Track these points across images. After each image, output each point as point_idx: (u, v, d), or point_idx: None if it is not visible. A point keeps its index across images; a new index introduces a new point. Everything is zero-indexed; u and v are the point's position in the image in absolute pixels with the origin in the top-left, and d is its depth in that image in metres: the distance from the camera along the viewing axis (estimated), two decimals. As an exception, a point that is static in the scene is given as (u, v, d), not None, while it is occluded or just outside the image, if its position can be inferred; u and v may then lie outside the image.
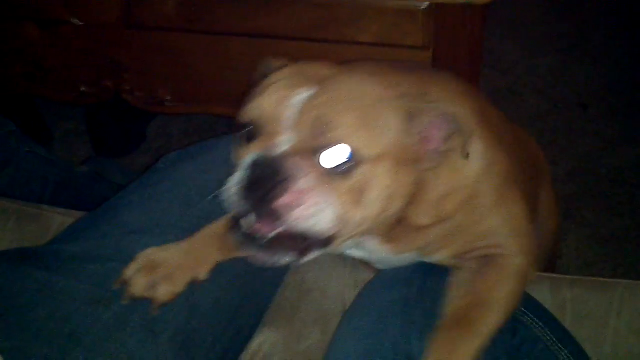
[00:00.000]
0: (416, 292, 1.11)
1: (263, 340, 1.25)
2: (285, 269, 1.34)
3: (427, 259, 1.18)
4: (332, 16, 1.62)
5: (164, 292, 1.09)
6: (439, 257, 1.17)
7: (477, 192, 1.10)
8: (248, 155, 0.98)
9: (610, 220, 2.35)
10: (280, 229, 0.97)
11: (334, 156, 0.96)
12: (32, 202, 1.56)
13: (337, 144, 0.95)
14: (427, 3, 1.54)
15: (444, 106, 1.02)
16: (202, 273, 1.14)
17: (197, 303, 1.11)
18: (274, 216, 0.95)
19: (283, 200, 0.95)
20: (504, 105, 2.70)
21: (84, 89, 1.98)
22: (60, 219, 1.45)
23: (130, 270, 1.09)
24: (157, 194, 1.24)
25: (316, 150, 0.95)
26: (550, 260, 1.71)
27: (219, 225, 1.17)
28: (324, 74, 1.03)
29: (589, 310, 1.28)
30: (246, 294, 1.20)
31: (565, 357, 1.11)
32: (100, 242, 1.14)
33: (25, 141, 1.86)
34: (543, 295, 1.28)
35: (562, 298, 1.30)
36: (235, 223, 1.00)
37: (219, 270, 1.15)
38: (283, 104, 0.98)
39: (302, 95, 0.98)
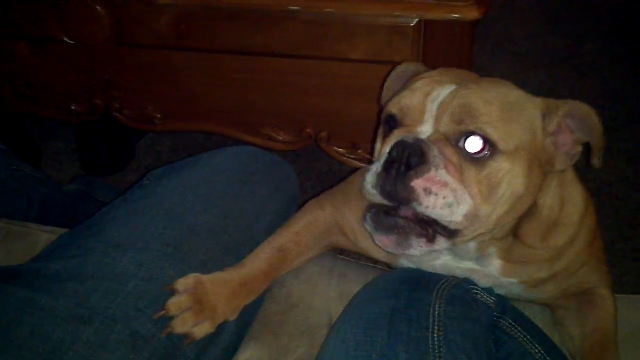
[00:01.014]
0: (403, 304, 1.11)
1: (249, 355, 1.24)
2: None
3: (528, 294, 1.23)
4: (323, 33, 1.63)
5: (202, 331, 1.10)
6: (541, 293, 1.22)
7: (579, 230, 1.16)
8: (390, 140, 1.01)
9: (597, 234, 2.35)
10: (413, 211, 0.98)
11: (474, 143, 0.98)
12: (18, 219, 1.55)
13: (479, 132, 0.97)
14: (417, 19, 1.55)
15: (578, 104, 1.04)
16: (233, 316, 1.17)
17: None
18: (410, 197, 0.97)
19: (421, 183, 0.96)
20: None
21: (74, 107, 1.98)
22: (46, 237, 1.44)
23: (176, 304, 1.08)
24: (140, 209, 1.24)
25: (457, 136, 0.99)
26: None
27: (252, 267, 1.21)
28: (465, 76, 1.08)
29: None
30: None
31: (552, 368, 1.12)
32: (83, 258, 1.13)
33: (12, 159, 1.85)
34: (532, 309, 1.29)
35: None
36: (370, 207, 1.03)
37: None
38: (428, 95, 1.02)
39: (446, 89, 1.02)
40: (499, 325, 1.15)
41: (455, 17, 1.52)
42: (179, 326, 1.08)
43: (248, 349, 1.26)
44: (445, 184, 0.97)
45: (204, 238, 1.20)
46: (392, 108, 1.07)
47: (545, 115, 1.04)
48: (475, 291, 1.15)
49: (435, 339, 1.04)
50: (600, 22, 3.19)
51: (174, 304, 1.08)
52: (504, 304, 1.19)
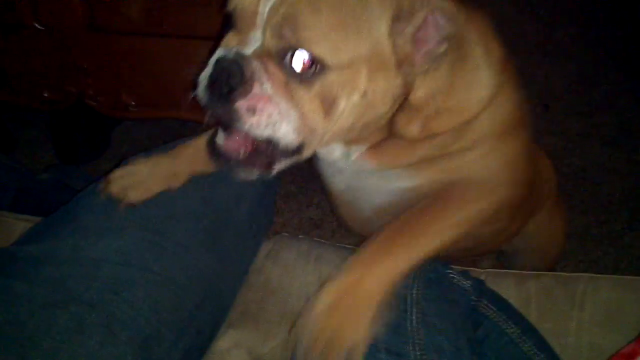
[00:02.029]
0: None
1: (229, 342, 1.24)
2: (246, 267, 1.35)
3: (408, 182, 1.16)
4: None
5: (133, 195, 1.17)
6: (419, 180, 1.15)
7: (476, 120, 1.08)
8: (218, 50, 0.96)
9: (572, 217, 2.37)
10: (249, 146, 0.96)
11: (298, 61, 0.91)
12: (-8, 209, 1.53)
13: (302, 48, 0.90)
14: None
15: (443, 3, 0.94)
16: (175, 183, 1.20)
17: (157, 301, 1.10)
18: (233, 118, 0.93)
19: (241, 104, 0.92)
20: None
21: (47, 94, 1.96)
22: (22, 225, 1.42)
23: (114, 174, 1.20)
24: None
25: (280, 53, 0.91)
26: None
27: (193, 142, 1.20)
28: None
29: (553, 304, 1.29)
30: (207, 292, 1.19)
31: (528, 349, 1.13)
32: (58, 243, 1.13)
33: (-16, 148, 1.84)
34: (508, 290, 1.30)
35: (527, 292, 1.31)
36: (212, 140, 1.01)
37: (180, 268, 1.15)
38: None
39: None
40: (476, 307, 1.16)
41: None
42: (111, 187, 1.18)
43: (227, 336, 1.25)
44: (268, 101, 0.92)
45: (183, 223, 1.20)
46: (229, 5, 0.96)
47: (400, 16, 0.94)
48: (452, 275, 1.16)
49: (414, 321, 1.04)
50: (574, 7, 3.21)
51: (112, 174, 1.21)
52: (481, 286, 1.20)
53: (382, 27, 0.94)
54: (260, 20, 0.92)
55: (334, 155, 1.14)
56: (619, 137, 2.63)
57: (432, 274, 1.13)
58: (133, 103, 1.92)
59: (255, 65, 0.92)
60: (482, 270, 1.35)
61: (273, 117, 0.92)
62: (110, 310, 1.05)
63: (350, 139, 1.04)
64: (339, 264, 1.23)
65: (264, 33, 0.93)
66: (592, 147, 2.61)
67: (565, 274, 1.40)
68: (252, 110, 0.92)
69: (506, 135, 1.13)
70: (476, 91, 1.07)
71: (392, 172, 1.15)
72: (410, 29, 0.95)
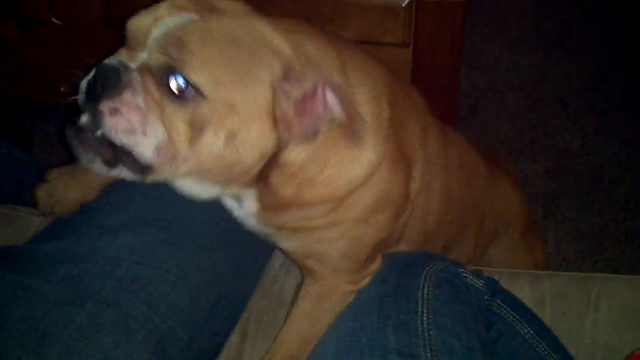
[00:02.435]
0: (391, 289, 1.12)
1: (242, 347, 1.25)
2: (260, 270, 1.34)
3: (280, 244, 1.16)
4: (314, 12, 1.62)
5: (60, 211, 1.29)
6: (286, 245, 1.15)
7: (347, 198, 1.06)
8: (105, 60, 0.95)
9: (589, 216, 2.36)
10: (101, 134, 0.93)
11: (176, 82, 0.90)
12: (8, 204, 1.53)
13: (182, 72, 0.89)
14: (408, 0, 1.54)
15: (336, 80, 0.94)
16: (91, 195, 1.26)
17: (173, 301, 1.10)
18: (97, 117, 0.92)
19: (109, 104, 0.91)
20: (484, 103, 2.72)
21: (63, 88, 1.96)
22: (38, 220, 1.43)
23: (39, 191, 1.31)
24: (135, 194, 1.24)
25: (161, 70, 0.91)
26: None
27: None
28: (228, 9, 0.95)
29: (567, 304, 1.29)
30: (222, 294, 1.20)
31: (542, 349, 1.12)
32: (76, 242, 1.14)
33: (1, 143, 1.84)
34: (523, 290, 1.29)
35: (541, 292, 1.31)
36: (74, 119, 0.98)
37: (196, 269, 1.15)
38: (159, 20, 0.92)
39: (180, 18, 0.92)
40: (489, 307, 1.15)
41: (445, -3, 1.50)
42: (39, 206, 1.31)
43: (240, 341, 1.27)
44: (135, 110, 0.91)
45: (199, 224, 1.20)
46: (127, 26, 0.96)
47: (289, 75, 0.92)
48: (464, 275, 1.16)
49: (425, 322, 1.04)
50: (592, 4, 3.18)
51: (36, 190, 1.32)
52: (494, 286, 1.19)
53: (266, 80, 0.92)
54: (151, 41, 0.93)
55: (206, 196, 1.09)
56: (637, 136, 2.60)
57: (443, 273, 1.12)
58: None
59: (134, 75, 0.92)
60: (496, 270, 1.34)
61: (134, 124, 0.91)
62: (126, 309, 1.05)
63: (208, 181, 1.03)
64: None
65: (150, 53, 0.93)
66: (610, 145, 2.59)
67: (579, 274, 1.39)
68: (115, 112, 0.91)
69: (374, 215, 1.10)
70: (350, 170, 1.04)
71: (269, 230, 1.13)
72: (297, 94, 0.93)
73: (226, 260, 1.22)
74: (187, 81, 0.89)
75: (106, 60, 0.95)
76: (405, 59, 1.68)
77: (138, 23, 0.94)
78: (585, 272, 1.77)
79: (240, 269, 1.26)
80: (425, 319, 1.04)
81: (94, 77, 0.94)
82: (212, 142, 0.93)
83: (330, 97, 0.94)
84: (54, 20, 1.79)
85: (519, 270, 1.39)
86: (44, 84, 1.98)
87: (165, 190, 1.20)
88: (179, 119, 0.91)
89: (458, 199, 1.35)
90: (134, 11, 1.69)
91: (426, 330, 1.02)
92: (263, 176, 1.02)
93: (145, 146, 0.92)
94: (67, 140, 0.97)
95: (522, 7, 3.15)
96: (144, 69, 0.93)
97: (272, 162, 0.99)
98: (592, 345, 1.23)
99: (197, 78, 0.89)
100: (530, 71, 2.88)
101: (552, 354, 1.12)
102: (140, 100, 0.91)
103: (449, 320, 1.05)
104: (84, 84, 0.96)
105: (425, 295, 1.07)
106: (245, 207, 1.10)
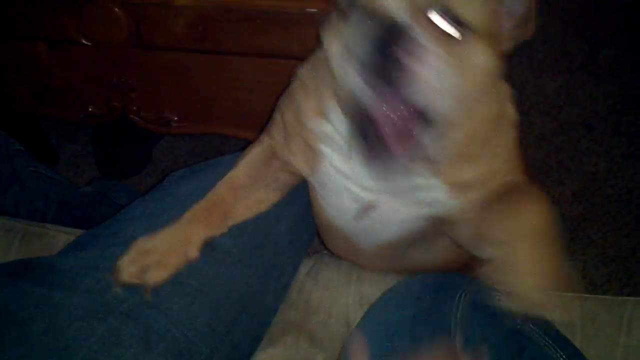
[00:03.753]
0: (425, 310, 1.11)
1: (267, 359, 1.25)
2: (286, 283, 1.34)
3: (451, 202, 1.14)
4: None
5: (153, 276, 1.09)
6: (466, 201, 1.13)
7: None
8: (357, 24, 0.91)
9: (616, 240, 2.33)
10: (402, 111, 0.89)
11: (449, 21, 0.88)
12: (36, 221, 1.55)
13: (452, 9, 0.88)
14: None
15: None
16: (192, 252, 1.14)
17: (193, 314, 1.10)
18: (402, 88, 0.88)
19: (414, 59, 0.87)
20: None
21: (91, 109, 1.98)
22: (65, 238, 1.44)
23: (122, 261, 1.10)
24: (159, 210, 1.25)
25: (431, 10, 0.89)
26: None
27: (201, 204, 1.18)
28: None
29: (598, 329, 1.27)
30: (244, 308, 1.20)
31: (575, 374, 1.10)
32: (100, 254, 1.14)
33: (29, 160, 1.87)
34: (553, 313, 1.27)
35: (572, 316, 1.29)
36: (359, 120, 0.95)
37: (215, 282, 1.15)
38: None
39: None
40: (521, 331, 1.13)
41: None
42: (123, 274, 1.08)
43: (266, 353, 1.26)
44: (434, 59, 0.88)
45: (219, 239, 1.20)
46: None
47: None
48: (498, 297, 1.14)
49: (457, 345, 1.03)
50: (618, 27, 3.17)
51: (120, 260, 1.09)
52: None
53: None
54: None
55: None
56: (665, 159, 2.58)
57: (477, 295, 1.11)
58: (176, 118, 1.93)
59: (414, 25, 0.89)
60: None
61: (437, 76, 0.89)
62: (147, 322, 1.05)
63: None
64: (381, 287, 1.22)
65: None
66: (637, 168, 2.56)
67: (611, 297, 1.37)
68: (420, 68, 0.88)
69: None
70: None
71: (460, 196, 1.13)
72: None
73: (248, 275, 1.22)
74: (454, 18, 0.89)
75: (381, 17, 0.89)
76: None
77: None
78: (613, 296, 1.75)
79: (265, 283, 1.26)
80: (456, 341, 1.03)
81: (378, 40, 0.88)
82: (478, 75, 0.95)
83: None
84: (84, 41, 1.81)
85: (549, 292, 1.37)
86: (72, 104, 2.00)
87: (188, 207, 1.21)
88: (454, 57, 0.90)
89: None
90: (162, 32, 1.72)
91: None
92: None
93: (446, 97, 0.91)
94: (372, 147, 0.94)
95: (549, 30, 3.14)
96: (416, 16, 0.89)
97: None
98: (624, 371, 1.21)
99: (465, 12, 0.90)
100: (556, 94, 2.87)
101: (585, 379, 1.10)
102: (434, 48, 0.88)
103: (481, 342, 1.03)
104: (358, 53, 0.90)
105: (459, 318, 1.06)
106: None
